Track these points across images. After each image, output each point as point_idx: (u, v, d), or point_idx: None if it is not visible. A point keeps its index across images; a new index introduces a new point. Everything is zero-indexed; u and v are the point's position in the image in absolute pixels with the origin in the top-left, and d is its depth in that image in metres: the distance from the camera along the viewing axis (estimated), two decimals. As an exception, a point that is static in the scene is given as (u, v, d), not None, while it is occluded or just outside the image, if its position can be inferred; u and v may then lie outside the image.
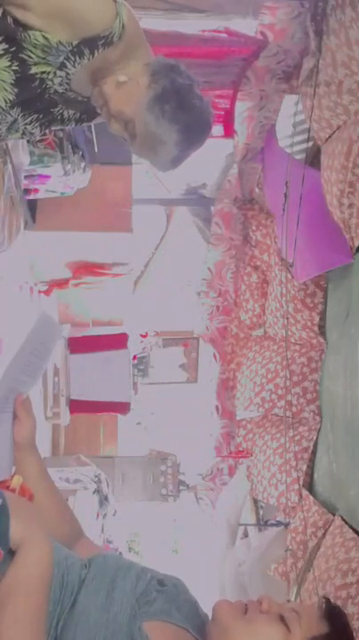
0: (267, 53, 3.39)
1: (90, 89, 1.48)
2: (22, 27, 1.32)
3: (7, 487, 1.10)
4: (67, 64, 1.39)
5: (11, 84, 1.41)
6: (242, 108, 3.92)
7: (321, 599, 1.07)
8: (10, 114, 1.49)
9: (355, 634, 1.03)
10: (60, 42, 1.34)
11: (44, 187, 4.04)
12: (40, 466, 1.29)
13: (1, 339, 3.75)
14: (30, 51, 1.36)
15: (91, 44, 1.35)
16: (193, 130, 1.45)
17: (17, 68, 1.38)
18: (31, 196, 4.12)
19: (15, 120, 1.52)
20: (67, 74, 1.42)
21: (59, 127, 1.64)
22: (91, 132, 4.18)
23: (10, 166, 3.23)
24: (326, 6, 2.93)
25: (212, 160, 4.80)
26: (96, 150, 4.29)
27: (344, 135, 3.05)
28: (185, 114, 1.41)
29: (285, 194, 3.48)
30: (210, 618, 1.03)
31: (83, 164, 4.04)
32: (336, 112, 3.10)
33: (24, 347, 1.27)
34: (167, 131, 1.40)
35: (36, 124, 1.56)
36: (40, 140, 3.57)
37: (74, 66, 1.39)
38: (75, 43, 1.35)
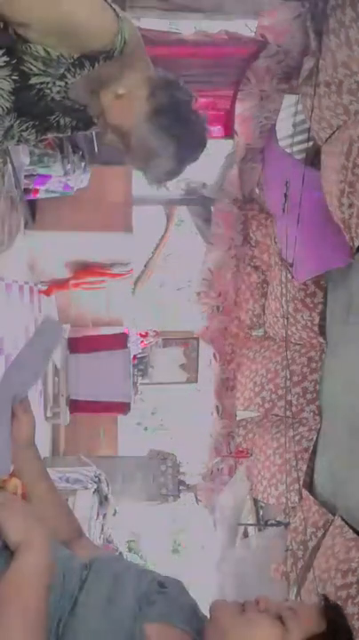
0: (267, 54, 3.40)
1: (87, 97, 1.48)
2: (23, 39, 1.32)
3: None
4: (68, 75, 1.40)
5: (10, 92, 1.42)
6: (242, 108, 3.92)
7: (320, 597, 1.06)
8: (5, 120, 1.49)
9: (355, 634, 1.03)
10: (62, 55, 1.35)
11: (44, 187, 4.04)
12: (39, 465, 1.29)
13: (1, 338, 3.75)
14: (31, 63, 1.36)
15: (92, 57, 1.36)
16: (188, 145, 1.46)
17: (17, 77, 1.39)
18: (31, 196, 4.12)
19: (11, 127, 1.52)
20: (66, 83, 1.42)
21: (54, 134, 1.65)
22: (92, 133, 4.18)
23: (10, 166, 3.23)
24: (326, 6, 2.93)
25: (212, 160, 4.80)
26: (96, 150, 4.28)
27: (344, 135, 3.05)
28: (181, 128, 1.42)
29: (285, 194, 3.49)
30: (208, 618, 1.03)
31: (83, 164, 4.04)
32: (336, 112, 3.10)
33: (26, 348, 1.27)
34: (163, 144, 1.41)
35: (32, 131, 1.57)
36: (40, 141, 3.57)
37: (74, 76, 1.40)
38: (76, 56, 1.35)
